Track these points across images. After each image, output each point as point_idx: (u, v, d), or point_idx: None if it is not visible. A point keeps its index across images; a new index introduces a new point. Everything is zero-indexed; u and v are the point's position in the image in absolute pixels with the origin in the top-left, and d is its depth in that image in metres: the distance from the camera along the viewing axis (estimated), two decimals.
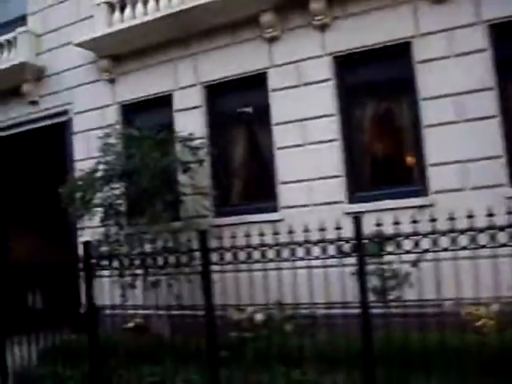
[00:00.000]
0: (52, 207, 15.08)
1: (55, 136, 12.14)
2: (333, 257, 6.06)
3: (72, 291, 11.28)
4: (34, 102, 12.53)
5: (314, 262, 6.09)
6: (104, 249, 8.64)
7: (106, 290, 8.19)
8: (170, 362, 7.76)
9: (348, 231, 5.84)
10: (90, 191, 9.14)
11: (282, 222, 8.88)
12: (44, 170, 14.17)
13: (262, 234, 6.37)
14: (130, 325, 9.95)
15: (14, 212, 15.01)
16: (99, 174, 9.25)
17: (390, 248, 5.89)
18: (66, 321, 11.07)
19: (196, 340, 7.70)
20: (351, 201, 8.91)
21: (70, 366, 8.73)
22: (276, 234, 6.28)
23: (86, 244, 8.30)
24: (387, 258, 6.47)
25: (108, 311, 8.50)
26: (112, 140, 9.60)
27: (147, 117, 10.72)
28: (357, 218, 5.96)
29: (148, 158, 8.74)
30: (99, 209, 9.37)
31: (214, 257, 6.79)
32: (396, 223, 5.69)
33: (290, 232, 6.12)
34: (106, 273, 8.26)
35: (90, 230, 10.17)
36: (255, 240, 6.51)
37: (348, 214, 8.21)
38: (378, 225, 5.74)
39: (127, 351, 8.53)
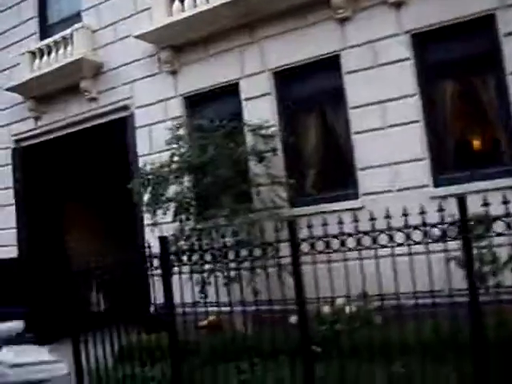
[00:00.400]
0: (115, 204, 15.22)
1: (116, 132, 12.09)
2: (436, 241, 5.83)
3: (139, 289, 11.25)
4: (92, 99, 12.49)
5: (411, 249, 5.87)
6: (181, 244, 8.49)
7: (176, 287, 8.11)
8: (257, 359, 7.60)
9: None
10: (163, 185, 9.02)
11: (363, 210, 8.61)
12: (106, 166, 14.21)
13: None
14: (204, 322, 9.81)
15: (74, 209, 15.09)
16: (171, 166, 9.12)
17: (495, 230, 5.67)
18: (135, 320, 11.06)
19: (284, 336, 7.54)
20: (437, 184, 8.62)
21: (147, 366, 8.66)
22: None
23: (163, 239, 8.19)
24: (487, 241, 6.27)
25: (181, 309, 8.37)
26: (181, 132, 9.48)
27: (213, 107, 10.57)
28: (461, 199, 5.70)
29: (223, 149, 8.59)
30: (171, 203, 9.24)
31: (305, 248, 6.62)
32: (505, 202, 5.46)
33: (387, 217, 5.90)
34: (184, 269, 8.18)
35: (158, 225, 10.12)
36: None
37: (434, 198, 7.91)
38: (484, 205, 5.52)
39: (208, 349, 8.42)
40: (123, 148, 12.03)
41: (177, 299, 8.08)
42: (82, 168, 14.75)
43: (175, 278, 8.07)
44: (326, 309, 7.97)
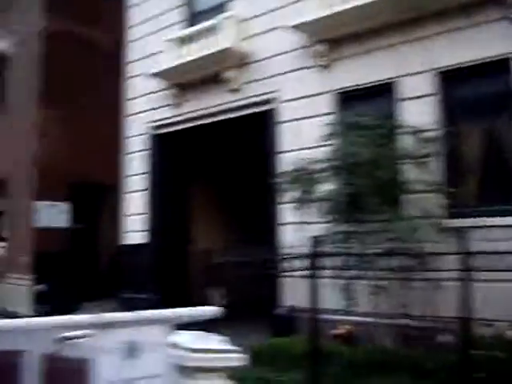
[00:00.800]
0: (246, 198, 15.20)
1: (257, 125, 11.94)
2: None
3: (269, 289, 11.07)
4: (235, 90, 12.41)
5: None
6: (330, 246, 8.19)
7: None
8: (406, 378, 7.19)
9: None
10: (313, 183, 8.74)
11: None
12: (241, 159, 14.18)
13: None
14: (340, 331, 9.50)
15: (204, 199, 15.14)
16: (325, 164, 8.81)
17: None
18: (262, 320, 10.90)
19: (439, 355, 7.09)
20: None
21: (279, 371, 8.43)
22: None
23: (315, 239, 7.94)
24: None
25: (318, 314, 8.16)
26: (335, 129, 9.18)
27: (365, 106, 10.19)
28: None
29: (382, 149, 8.21)
30: (320, 202, 8.93)
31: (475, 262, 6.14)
32: None
33: None
34: (329, 272, 7.94)
35: (295, 225, 9.96)
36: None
37: None
38: None
39: (348, 360, 8.10)
40: (261, 142, 11.87)
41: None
42: (216, 159, 14.83)
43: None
44: (484, 331, 7.42)
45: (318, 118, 10.51)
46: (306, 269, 8.23)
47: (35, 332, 1.80)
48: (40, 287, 16.48)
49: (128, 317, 2.07)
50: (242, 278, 11.49)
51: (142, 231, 14.10)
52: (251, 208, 14.66)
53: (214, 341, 4.61)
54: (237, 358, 4.48)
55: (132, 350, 3.15)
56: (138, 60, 14.89)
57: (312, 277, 7.89)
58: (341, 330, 9.50)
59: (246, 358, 4.78)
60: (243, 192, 15.15)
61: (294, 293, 10.08)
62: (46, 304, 16.05)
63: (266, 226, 11.59)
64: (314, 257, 7.93)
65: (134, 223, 14.36)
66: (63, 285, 16.15)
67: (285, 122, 11.40)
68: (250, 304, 12.52)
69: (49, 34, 17.57)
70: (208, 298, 13.51)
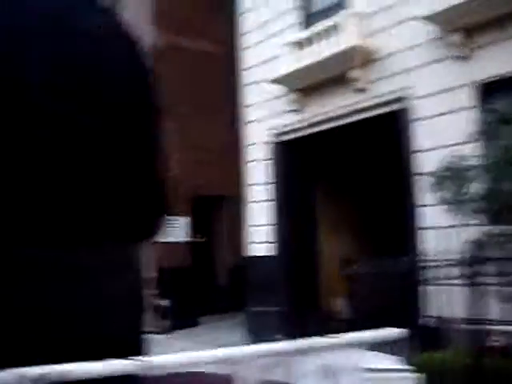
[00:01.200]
0: (378, 203, 14.67)
1: (389, 125, 11.37)
2: None
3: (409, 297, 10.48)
4: (363, 90, 11.89)
5: None
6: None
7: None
8: None
9: None
10: (464, 182, 8.10)
11: None
12: (374, 162, 13.70)
13: None
14: (496, 343, 8.77)
15: (331, 207, 14.70)
16: (472, 161, 8.17)
17: None
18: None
19: None
20: None
21: None
22: None
23: (475, 244, 7.39)
24: None
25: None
26: (482, 123, 8.53)
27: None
28: None
29: None
30: (472, 203, 8.28)
31: None
32: None
33: None
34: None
35: (442, 229, 9.37)
36: None
37: None
38: None
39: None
40: (394, 142, 11.30)
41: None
42: (343, 164, 14.37)
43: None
44: None
45: (457, 113, 9.86)
46: (464, 276, 7.68)
47: (246, 360, 1.60)
48: (163, 302, 16.54)
49: (325, 341, 1.82)
50: (379, 289, 10.91)
51: (267, 242, 13.81)
52: (384, 213, 14.11)
53: (390, 360, 4.30)
54: (412, 378, 4.18)
55: (329, 374, 2.84)
56: (255, 66, 14.64)
57: (472, 285, 7.35)
58: (497, 342, 8.79)
59: (422, 378, 4.45)
60: (374, 197, 14.60)
61: (438, 303, 9.52)
62: (167, 319, 16.12)
63: (402, 231, 11.01)
64: (475, 263, 7.37)
65: (259, 234, 14.10)
66: (183, 299, 16.15)
67: (420, 119, 10.74)
68: (387, 315, 11.96)
69: (156, 48, 17.72)
70: (340, 309, 13.03)
